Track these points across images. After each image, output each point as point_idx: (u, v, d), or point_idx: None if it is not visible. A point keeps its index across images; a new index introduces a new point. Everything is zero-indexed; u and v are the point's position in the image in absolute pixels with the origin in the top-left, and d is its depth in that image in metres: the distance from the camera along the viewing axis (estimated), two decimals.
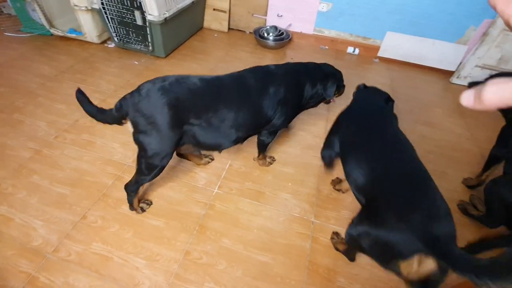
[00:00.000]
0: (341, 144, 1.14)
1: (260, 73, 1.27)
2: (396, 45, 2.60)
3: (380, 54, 2.68)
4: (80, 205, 1.30)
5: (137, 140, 1.08)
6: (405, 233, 0.76)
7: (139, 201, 1.31)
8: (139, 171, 1.17)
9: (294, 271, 1.18)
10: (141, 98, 1.03)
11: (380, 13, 2.49)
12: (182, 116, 1.06)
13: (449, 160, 1.75)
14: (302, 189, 1.50)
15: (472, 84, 1.44)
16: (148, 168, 1.14)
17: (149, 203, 1.33)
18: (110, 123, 1.12)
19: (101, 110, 1.12)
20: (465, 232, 1.37)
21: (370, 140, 1.04)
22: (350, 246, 1.10)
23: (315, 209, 1.41)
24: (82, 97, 1.13)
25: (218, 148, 1.24)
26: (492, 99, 0.24)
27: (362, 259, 1.24)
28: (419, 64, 2.64)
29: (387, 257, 0.82)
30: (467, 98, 0.26)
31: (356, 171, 0.99)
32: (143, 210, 1.31)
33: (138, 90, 1.06)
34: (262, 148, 1.52)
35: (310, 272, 1.18)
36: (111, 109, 1.09)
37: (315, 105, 1.48)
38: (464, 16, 2.33)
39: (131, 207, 1.28)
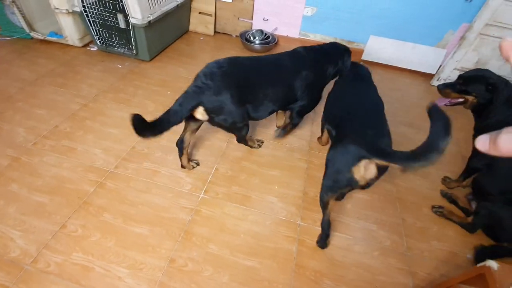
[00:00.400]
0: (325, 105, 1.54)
1: (294, 56, 1.47)
2: (379, 49, 2.67)
3: (364, 57, 2.74)
4: (59, 213, 1.26)
5: (217, 123, 1.30)
6: (356, 145, 1.01)
7: (189, 160, 1.52)
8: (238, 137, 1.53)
9: (281, 275, 1.17)
10: (208, 87, 1.18)
11: (363, 18, 2.55)
12: (243, 94, 1.26)
13: None
14: (289, 191, 1.51)
15: (442, 88, 1.48)
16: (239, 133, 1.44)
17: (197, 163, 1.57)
18: (180, 121, 1.20)
19: (163, 118, 1.16)
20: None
21: (345, 92, 1.44)
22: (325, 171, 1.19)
23: (302, 211, 1.42)
24: (139, 123, 1.10)
25: (259, 118, 1.45)
26: (507, 146, 0.24)
27: (347, 259, 1.25)
28: (401, 67, 2.71)
29: (347, 168, 1.03)
30: (483, 143, 0.26)
31: (332, 112, 1.42)
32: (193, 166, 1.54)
33: (202, 79, 1.19)
34: (290, 127, 1.70)
35: (296, 275, 1.18)
36: (172, 109, 1.18)
37: (333, 78, 1.67)
38: (443, 21, 2.41)
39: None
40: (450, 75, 2.55)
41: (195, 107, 1.20)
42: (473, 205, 1.50)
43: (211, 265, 1.17)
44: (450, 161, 1.79)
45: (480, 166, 1.43)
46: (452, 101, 1.49)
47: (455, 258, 1.32)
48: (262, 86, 1.34)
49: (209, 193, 1.44)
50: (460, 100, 1.46)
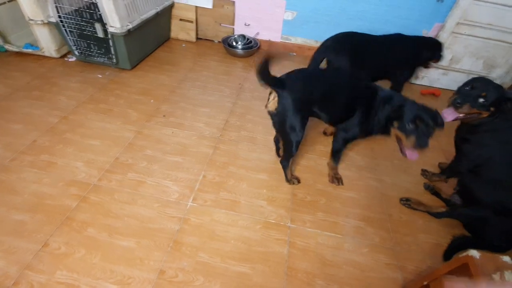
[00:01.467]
0: None
1: (358, 87, 1.44)
2: None
3: None
4: (41, 231, 1.21)
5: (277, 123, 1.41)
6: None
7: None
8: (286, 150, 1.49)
9: (273, 279, 1.17)
10: (286, 95, 1.29)
11: (341, 20, 2.61)
12: (309, 103, 1.38)
13: None
14: (278, 194, 1.51)
15: (462, 103, 1.30)
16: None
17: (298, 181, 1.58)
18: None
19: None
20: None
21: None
22: None
23: (291, 213, 1.42)
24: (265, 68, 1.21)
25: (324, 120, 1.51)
26: None
27: (338, 259, 1.27)
28: None
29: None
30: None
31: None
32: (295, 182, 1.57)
33: (286, 85, 1.28)
34: (334, 155, 1.60)
35: (289, 278, 1.18)
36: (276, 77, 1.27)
37: None
38: (417, 21, 2.51)
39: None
40: (427, 72, 2.65)
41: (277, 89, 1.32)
42: (456, 200, 1.53)
43: (202, 274, 1.15)
44: (429, 155, 1.85)
45: (463, 171, 1.45)
46: (464, 116, 1.33)
47: (441, 249, 1.36)
48: (327, 97, 1.40)
49: (197, 200, 1.42)
50: (473, 115, 1.32)
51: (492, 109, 1.27)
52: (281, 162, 1.55)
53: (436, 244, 1.39)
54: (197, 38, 2.94)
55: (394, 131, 1.33)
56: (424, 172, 1.74)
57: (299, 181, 1.58)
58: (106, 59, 2.22)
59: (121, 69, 2.28)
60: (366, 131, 1.45)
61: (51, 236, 1.20)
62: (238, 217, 1.38)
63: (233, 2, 2.69)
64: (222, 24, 2.85)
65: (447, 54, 2.51)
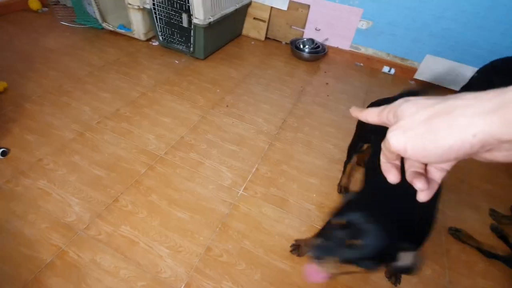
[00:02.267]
0: None
1: None
2: (435, 69, 2.55)
3: (416, 76, 2.63)
4: (113, 188, 1.37)
5: None
6: None
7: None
8: None
9: (313, 284, 1.16)
10: None
11: (421, 35, 2.46)
12: None
13: (482, 192, 1.67)
14: (327, 202, 1.49)
15: None
16: None
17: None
18: None
19: None
20: None
21: None
22: None
23: None
24: None
25: None
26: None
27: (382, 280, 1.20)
28: (456, 90, 2.56)
29: None
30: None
31: None
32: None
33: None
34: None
35: (329, 287, 1.16)
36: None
37: None
38: (508, 47, 2.24)
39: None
40: None
41: None
42: None
43: (245, 261, 1.19)
44: (504, 195, 1.65)
45: None
46: None
47: None
48: None
49: (248, 190, 1.47)
50: None
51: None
52: None
53: None
54: (266, 38, 3.02)
55: None
56: (493, 213, 1.56)
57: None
58: (184, 47, 2.42)
59: (195, 58, 2.46)
60: None
61: (121, 194, 1.35)
62: (285, 215, 1.39)
63: (308, 6, 2.71)
64: (293, 26, 2.89)
65: None
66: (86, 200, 1.32)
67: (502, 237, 1.45)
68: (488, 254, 1.34)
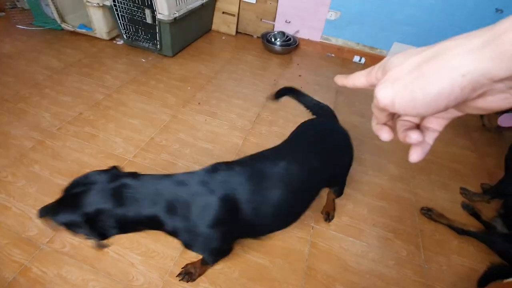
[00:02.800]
0: None
1: None
2: None
3: None
4: None
5: None
6: None
7: None
8: None
9: (292, 276, 1.15)
10: None
11: (388, 24, 2.51)
12: None
13: (452, 172, 1.73)
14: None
15: None
16: None
17: None
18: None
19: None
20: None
21: None
22: None
23: (316, 214, 1.39)
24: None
25: None
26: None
27: (363, 267, 1.22)
28: None
29: None
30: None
31: None
32: None
33: None
34: None
35: (307, 277, 1.15)
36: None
37: None
38: (471, 31, 2.33)
39: None
40: None
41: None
42: (498, 224, 1.41)
43: (222, 260, 1.16)
44: (472, 174, 1.72)
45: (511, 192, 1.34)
46: None
47: (476, 274, 1.25)
48: None
49: None
50: None
51: None
52: None
53: (471, 268, 1.29)
54: (237, 32, 2.97)
55: None
56: (463, 191, 1.62)
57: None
58: (151, 44, 2.32)
59: (163, 56, 2.37)
60: None
61: None
62: None
63: None
64: (263, 20, 2.86)
65: None
66: None
67: (474, 214, 1.51)
68: (461, 231, 1.39)
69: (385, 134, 0.32)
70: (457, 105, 0.23)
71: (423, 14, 2.37)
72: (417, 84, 0.23)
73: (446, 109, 0.23)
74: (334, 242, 1.29)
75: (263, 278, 1.13)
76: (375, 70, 0.29)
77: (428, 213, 1.45)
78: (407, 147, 0.30)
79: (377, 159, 1.73)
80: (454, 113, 0.29)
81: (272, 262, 1.18)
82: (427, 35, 2.44)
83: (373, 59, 2.73)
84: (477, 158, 1.86)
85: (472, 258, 1.33)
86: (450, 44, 0.22)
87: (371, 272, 1.21)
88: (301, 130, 1.04)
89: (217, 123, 1.82)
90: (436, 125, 0.30)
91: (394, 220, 1.43)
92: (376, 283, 1.17)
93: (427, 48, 0.24)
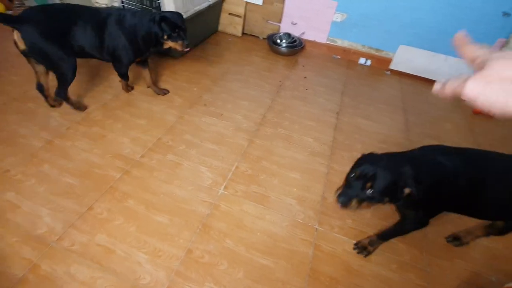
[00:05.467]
0: None
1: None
2: (409, 58, 2.60)
3: (392, 66, 2.68)
4: (87, 196, 1.32)
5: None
6: None
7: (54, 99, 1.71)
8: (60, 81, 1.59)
9: (295, 277, 1.16)
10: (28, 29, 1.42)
11: (393, 26, 2.50)
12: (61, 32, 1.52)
13: None
14: (308, 195, 1.49)
15: None
16: None
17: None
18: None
19: None
20: None
21: None
22: None
23: (320, 216, 1.40)
24: None
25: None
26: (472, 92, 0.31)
27: (366, 270, 1.23)
28: (430, 79, 2.64)
29: None
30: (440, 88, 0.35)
31: None
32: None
33: (23, 20, 1.40)
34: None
35: (311, 280, 1.17)
36: None
37: None
38: (479, 34, 2.32)
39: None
40: None
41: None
42: None
43: (227, 260, 1.18)
44: None
45: None
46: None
47: (478, 279, 1.26)
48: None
49: (228, 189, 1.46)
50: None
51: (386, 199, 0.93)
52: (57, 95, 1.62)
53: (474, 273, 1.29)
54: (243, 33, 2.99)
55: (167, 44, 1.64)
56: None
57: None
58: None
59: (170, 57, 2.40)
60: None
61: (96, 202, 1.30)
62: (266, 211, 1.39)
63: (283, 0, 2.69)
64: (269, 21, 2.88)
65: None
66: (57, 210, 1.26)
67: None
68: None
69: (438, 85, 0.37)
70: None
71: (429, 17, 2.37)
72: (503, 97, 0.29)
73: None
74: (337, 244, 1.30)
75: (267, 279, 1.14)
76: (481, 53, 0.33)
77: (454, 242, 1.39)
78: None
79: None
80: None
81: (276, 264, 1.19)
82: (434, 38, 2.44)
83: (379, 61, 2.72)
84: None
85: (475, 263, 1.33)
86: None
87: (374, 275, 1.21)
88: None
89: (223, 124, 1.84)
90: None
91: None
92: (379, 286, 1.18)
93: None
